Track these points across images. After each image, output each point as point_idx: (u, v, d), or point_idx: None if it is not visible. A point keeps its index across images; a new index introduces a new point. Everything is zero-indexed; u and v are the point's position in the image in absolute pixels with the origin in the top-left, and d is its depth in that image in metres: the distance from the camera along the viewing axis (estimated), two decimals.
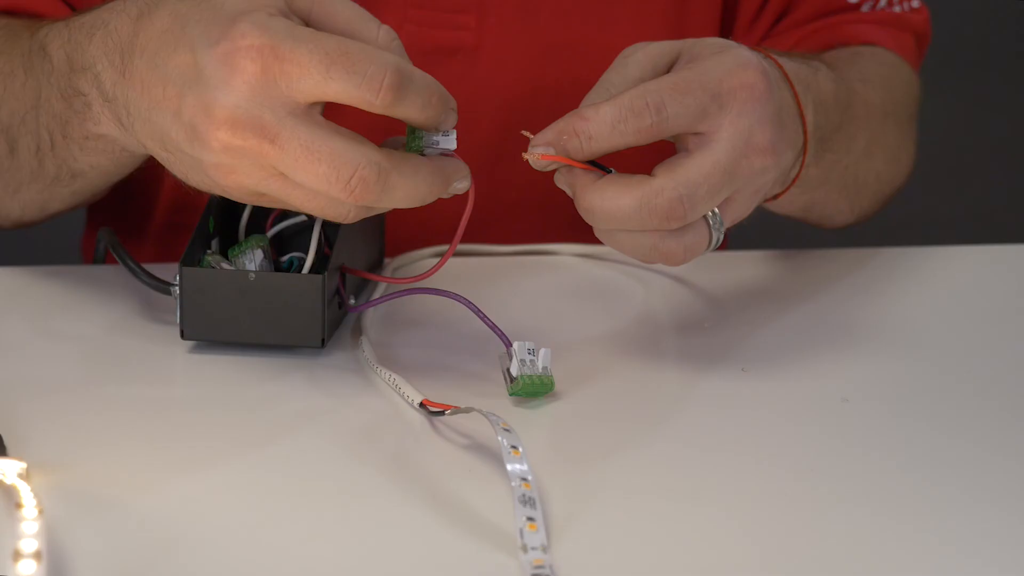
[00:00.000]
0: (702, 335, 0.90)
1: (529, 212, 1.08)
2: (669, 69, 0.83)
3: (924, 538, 0.70)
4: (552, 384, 0.80)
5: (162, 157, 0.80)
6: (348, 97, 0.74)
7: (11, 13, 0.99)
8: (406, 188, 0.76)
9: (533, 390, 0.80)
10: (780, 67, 0.87)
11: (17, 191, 0.93)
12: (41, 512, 0.66)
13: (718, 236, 0.82)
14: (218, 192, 0.79)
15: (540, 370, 0.81)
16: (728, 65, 0.81)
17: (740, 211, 0.83)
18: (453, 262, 0.92)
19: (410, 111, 0.76)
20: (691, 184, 0.79)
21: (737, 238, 0.99)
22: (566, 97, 1.06)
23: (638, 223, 0.79)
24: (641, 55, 0.83)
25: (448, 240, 0.87)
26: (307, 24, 0.77)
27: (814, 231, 1.08)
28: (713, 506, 0.72)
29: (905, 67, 1.12)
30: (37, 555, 0.63)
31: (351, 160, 0.74)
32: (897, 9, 1.13)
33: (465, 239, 0.85)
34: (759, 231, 1.03)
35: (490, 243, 1.02)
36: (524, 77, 1.07)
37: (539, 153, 0.80)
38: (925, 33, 1.16)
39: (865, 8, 1.13)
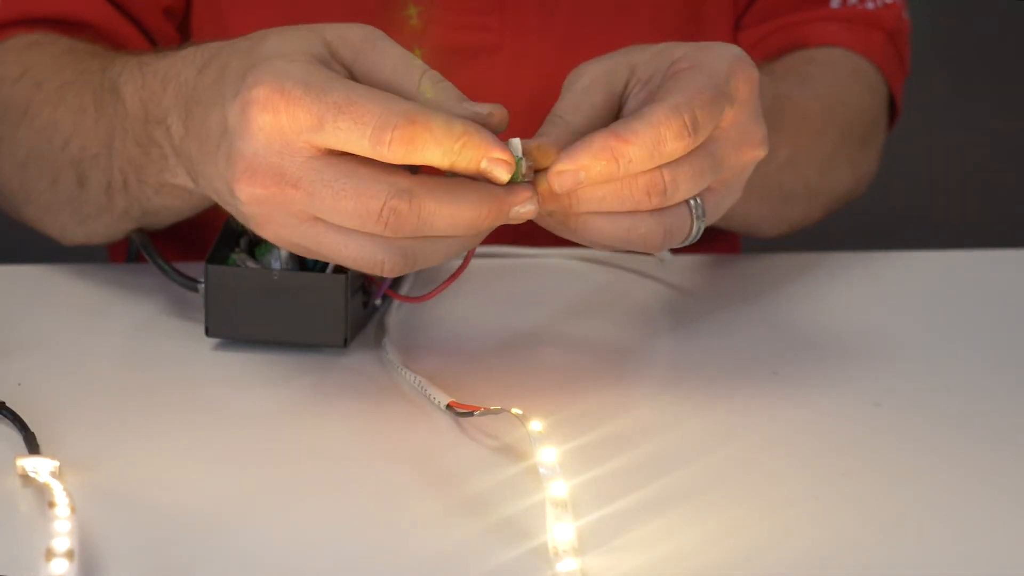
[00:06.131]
0: (732, 338, 0.90)
1: None
2: (624, 88, 0.80)
3: (958, 543, 0.69)
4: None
5: (227, 209, 0.79)
6: (359, 148, 0.72)
7: (61, 22, 0.98)
8: (447, 214, 0.72)
9: None
10: None
11: (83, 222, 0.93)
12: (74, 511, 0.66)
13: (699, 226, 0.78)
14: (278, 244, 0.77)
15: None
16: (729, 59, 0.78)
17: (722, 204, 0.80)
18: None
19: (430, 158, 0.72)
20: (675, 162, 0.75)
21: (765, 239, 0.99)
22: None
23: (616, 199, 0.75)
24: (588, 80, 0.80)
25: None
26: (351, 73, 0.75)
27: (844, 233, 1.08)
28: (745, 510, 0.71)
29: (865, 71, 1.10)
30: (69, 554, 0.63)
31: (378, 191, 0.72)
32: (870, 6, 1.10)
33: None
34: None
35: (507, 244, 1.00)
36: (543, 75, 1.06)
37: (569, 179, 0.74)
38: (898, 29, 1.12)
39: (835, 4, 1.10)
